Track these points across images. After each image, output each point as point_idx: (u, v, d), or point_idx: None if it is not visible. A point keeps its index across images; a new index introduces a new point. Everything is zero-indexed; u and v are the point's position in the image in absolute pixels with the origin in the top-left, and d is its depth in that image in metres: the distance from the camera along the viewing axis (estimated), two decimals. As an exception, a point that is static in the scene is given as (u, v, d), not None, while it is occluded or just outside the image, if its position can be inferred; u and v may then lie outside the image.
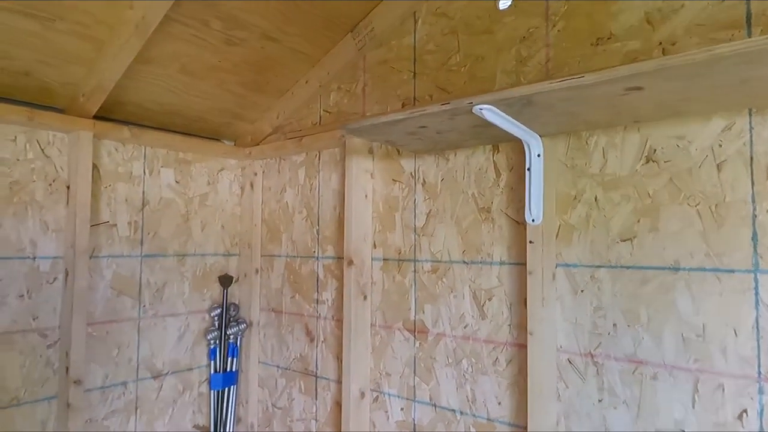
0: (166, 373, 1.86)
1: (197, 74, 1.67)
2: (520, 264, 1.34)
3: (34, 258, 1.53)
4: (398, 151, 1.62)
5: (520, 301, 1.34)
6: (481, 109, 0.99)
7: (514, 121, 1.08)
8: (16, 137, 1.51)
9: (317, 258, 1.85)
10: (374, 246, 1.67)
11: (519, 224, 1.35)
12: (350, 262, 1.63)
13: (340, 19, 1.63)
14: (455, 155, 1.48)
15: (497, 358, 1.37)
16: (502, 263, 1.37)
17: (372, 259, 1.67)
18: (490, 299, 1.39)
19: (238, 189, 2.13)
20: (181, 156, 1.93)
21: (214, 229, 2.04)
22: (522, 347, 1.32)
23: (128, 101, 1.68)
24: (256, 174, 2.08)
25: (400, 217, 1.60)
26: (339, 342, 1.76)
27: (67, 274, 1.56)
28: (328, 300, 1.81)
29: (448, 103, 1.01)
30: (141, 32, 1.35)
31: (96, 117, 1.62)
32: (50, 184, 1.57)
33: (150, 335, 1.81)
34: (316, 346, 1.83)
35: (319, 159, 1.87)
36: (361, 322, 1.63)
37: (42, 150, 1.56)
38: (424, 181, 1.55)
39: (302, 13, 1.54)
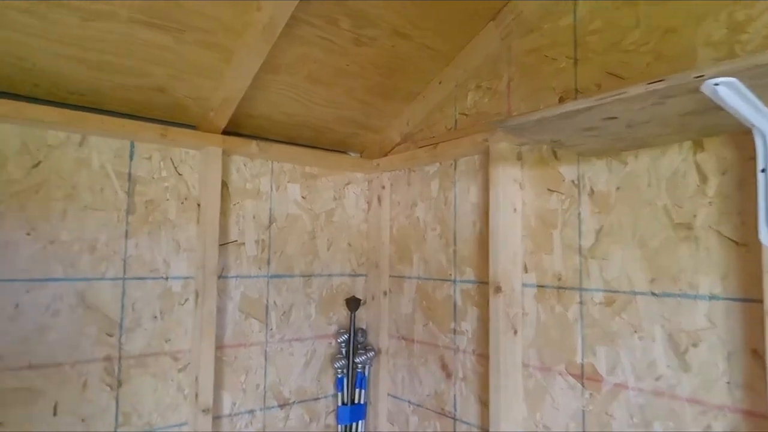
0: (293, 403, 1.74)
1: (324, 81, 1.54)
2: (744, 300, 0.98)
3: (167, 278, 1.49)
4: (555, 154, 1.34)
5: (746, 350, 0.98)
6: (716, 84, 0.69)
7: (757, 101, 0.76)
8: (151, 156, 1.49)
9: (454, 281, 1.62)
10: (525, 270, 1.40)
11: (739, 245, 1.00)
12: (497, 289, 1.37)
13: (480, 7, 1.40)
14: (636, 157, 1.17)
15: (709, 425, 1.02)
16: (712, 297, 1.03)
17: (523, 285, 1.40)
18: (695, 345, 1.05)
19: (364, 204, 1.99)
20: (308, 170, 1.83)
21: (340, 248, 1.90)
22: (750, 415, 0.96)
23: (256, 114, 1.61)
24: (383, 187, 1.91)
25: (560, 234, 1.32)
26: (482, 381, 1.50)
27: (197, 296, 1.50)
28: (467, 331, 1.56)
29: (662, 81, 0.73)
30: (268, 34, 1.24)
31: (225, 132, 1.56)
32: (182, 203, 1.53)
33: (277, 361, 1.71)
34: (454, 384, 1.59)
35: (454, 168, 1.65)
36: (510, 360, 1.36)
37: (175, 168, 1.53)
38: (591, 190, 1.25)
39: (437, 4, 1.34)
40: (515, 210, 1.40)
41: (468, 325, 1.56)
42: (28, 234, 1.28)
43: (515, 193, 1.41)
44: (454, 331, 1.61)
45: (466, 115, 1.62)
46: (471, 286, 1.56)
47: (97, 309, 1.37)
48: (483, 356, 1.51)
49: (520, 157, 1.42)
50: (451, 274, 1.63)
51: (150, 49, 1.27)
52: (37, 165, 1.31)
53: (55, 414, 1.30)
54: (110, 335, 1.39)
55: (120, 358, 1.40)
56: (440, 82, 1.64)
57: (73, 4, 1.10)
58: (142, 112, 1.47)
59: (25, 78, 1.26)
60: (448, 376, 1.62)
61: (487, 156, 1.51)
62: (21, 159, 1.29)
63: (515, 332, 1.37)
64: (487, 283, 1.51)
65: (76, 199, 1.36)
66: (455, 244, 1.63)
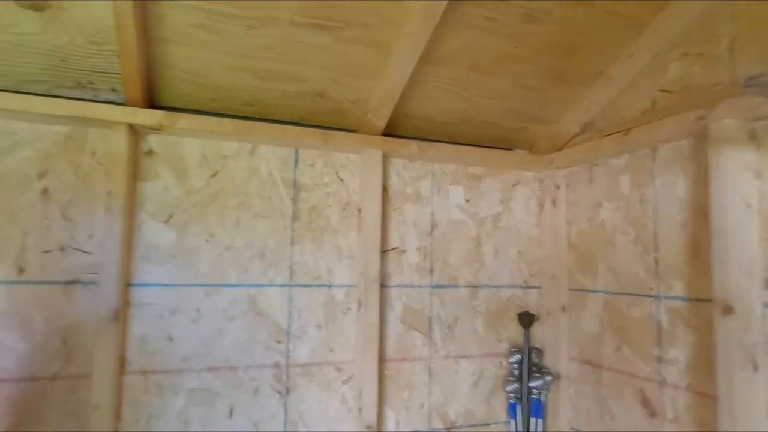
0: (460, 426, 1.59)
1: (488, 69, 1.38)
2: None
3: (330, 286, 1.46)
4: (813, 129, 0.98)
5: None
6: None
7: None
8: (314, 162, 1.48)
9: (657, 297, 1.31)
10: (767, 285, 1.05)
11: None
12: (727, 309, 1.05)
13: (689, -49, 1.11)
14: None
15: None
16: None
17: (764, 306, 1.05)
18: None
19: (536, 206, 1.76)
20: (471, 171, 1.68)
21: (508, 256, 1.71)
22: None
23: (414, 114, 1.51)
24: (558, 186, 1.67)
25: (826, 238, 0.96)
26: (703, 427, 1.17)
27: (359, 305, 1.44)
28: (678, 360, 1.24)
29: None
30: (428, 20, 1.12)
31: (383, 134, 1.49)
32: (344, 208, 1.50)
33: (441, 378, 1.58)
34: (661, 425, 1.28)
35: (653, 159, 1.35)
36: (751, 405, 1.02)
37: (336, 173, 1.50)
38: None
39: (629, -44, 1.09)
40: (749, 206, 1.06)
41: (679, 353, 1.24)
42: (207, 241, 1.35)
43: (749, 184, 1.07)
44: (659, 359, 1.30)
45: (667, 91, 1.31)
46: (682, 304, 1.24)
47: (267, 315, 1.39)
48: (705, 395, 1.18)
49: (754, 137, 1.08)
50: (652, 288, 1.33)
51: (310, 52, 1.24)
52: (214, 175, 1.37)
53: (230, 416, 1.33)
54: (279, 342, 1.39)
55: (288, 365, 1.40)
56: (631, 55, 1.35)
57: (239, 14, 1.12)
58: (305, 118, 1.46)
59: (203, 93, 1.33)
60: (652, 414, 1.31)
61: (701, 139, 1.19)
62: (201, 170, 1.36)
63: (755, 368, 1.03)
64: (706, 300, 1.18)
65: (247, 207, 1.40)
66: (657, 251, 1.32)
